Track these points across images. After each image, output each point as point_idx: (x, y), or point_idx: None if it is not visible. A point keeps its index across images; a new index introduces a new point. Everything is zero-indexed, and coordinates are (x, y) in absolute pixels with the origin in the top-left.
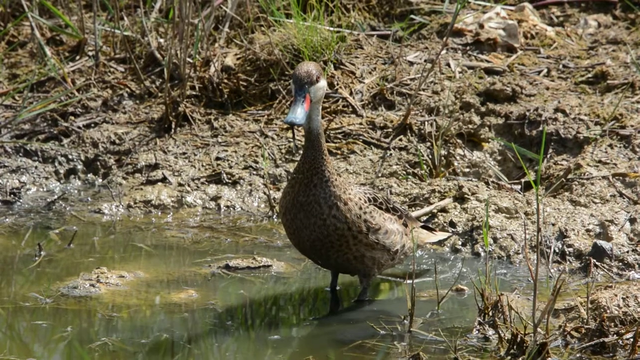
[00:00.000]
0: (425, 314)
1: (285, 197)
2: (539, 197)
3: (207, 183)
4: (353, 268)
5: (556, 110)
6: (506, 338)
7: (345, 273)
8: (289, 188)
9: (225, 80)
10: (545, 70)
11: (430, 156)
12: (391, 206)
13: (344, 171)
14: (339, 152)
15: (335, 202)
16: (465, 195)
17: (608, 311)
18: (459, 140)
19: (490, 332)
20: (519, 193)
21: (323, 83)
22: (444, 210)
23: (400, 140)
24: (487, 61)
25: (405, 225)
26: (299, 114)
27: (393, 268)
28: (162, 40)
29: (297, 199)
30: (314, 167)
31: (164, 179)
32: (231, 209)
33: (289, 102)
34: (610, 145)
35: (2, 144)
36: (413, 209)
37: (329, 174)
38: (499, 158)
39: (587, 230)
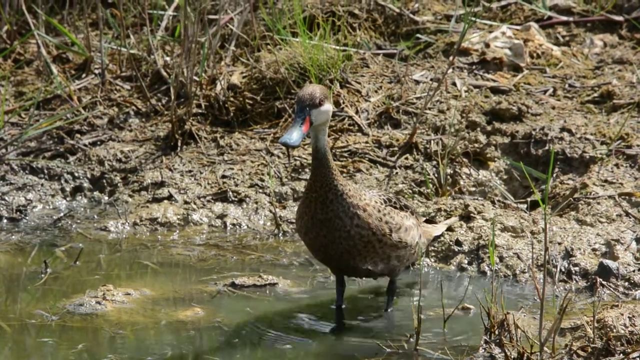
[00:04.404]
0: (431, 332)
1: (303, 217)
2: (545, 216)
3: (213, 201)
4: (380, 271)
5: (562, 129)
6: (512, 357)
7: (369, 277)
8: (305, 208)
9: (232, 99)
10: (551, 90)
11: (436, 175)
12: (402, 204)
13: None
14: (345, 170)
15: (355, 212)
16: (472, 214)
17: (614, 330)
18: (465, 159)
19: (497, 350)
20: (525, 212)
21: (327, 107)
22: (450, 229)
23: (406, 159)
24: (493, 80)
25: (417, 218)
26: (294, 135)
27: (400, 284)
28: (168, 59)
29: (315, 217)
30: (326, 183)
31: (170, 197)
32: (237, 227)
33: (286, 123)
34: (617, 165)
35: (8, 162)
36: None
37: (341, 187)
38: (505, 177)
39: (593, 250)
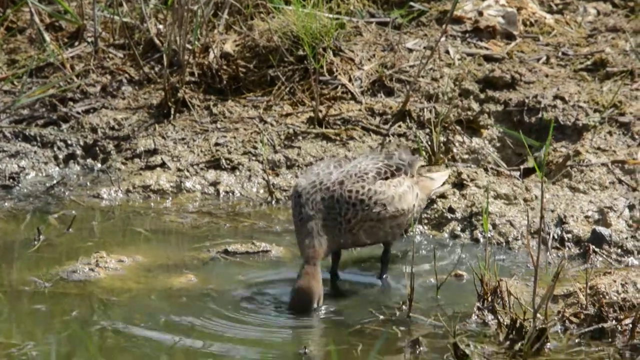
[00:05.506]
0: (424, 299)
1: None
2: (542, 183)
3: (206, 168)
4: (380, 239)
5: (555, 97)
6: (505, 323)
7: (366, 246)
8: None
9: (225, 67)
10: (545, 58)
11: (429, 143)
12: (394, 168)
13: (343, 157)
14: (338, 138)
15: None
16: (464, 182)
17: (607, 297)
18: (458, 127)
19: (489, 317)
20: (518, 179)
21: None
22: (443, 196)
23: (400, 126)
24: (486, 48)
25: (412, 175)
26: None
27: (393, 251)
28: (161, 27)
29: None
30: None
31: (163, 164)
32: (230, 194)
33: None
34: (610, 133)
35: (1, 129)
36: None
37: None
38: (498, 145)
39: (586, 217)
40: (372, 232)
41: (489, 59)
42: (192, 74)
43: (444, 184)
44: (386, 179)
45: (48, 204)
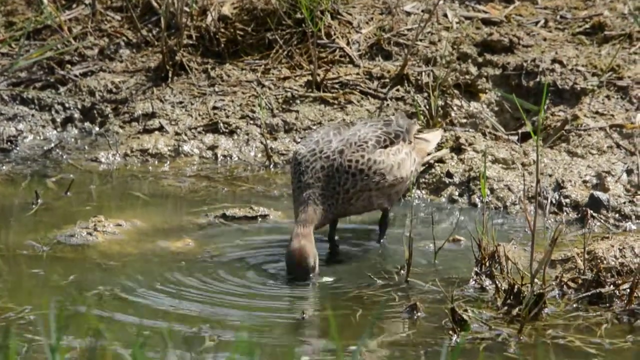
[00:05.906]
0: (422, 264)
1: None
2: (537, 148)
3: (204, 132)
4: (378, 207)
5: (553, 61)
6: (503, 288)
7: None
8: None
9: (222, 30)
10: (543, 21)
11: (427, 107)
12: (393, 136)
13: (341, 122)
14: (335, 102)
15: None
16: (462, 146)
17: (605, 262)
18: (456, 91)
19: (487, 282)
20: (516, 144)
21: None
22: (441, 160)
23: (398, 90)
24: (485, 12)
25: (410, 142)
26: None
27: (391, 216)
28: None
29: None
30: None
31: (160, 128)
32: (228, 158)
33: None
34: (608, 97)
35: None
36: None
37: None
38: (496, 109)
39: (584, 181)
40: (369, 202)
41: (487, 22)
42: (189, 37)
43: (439, 145)
44: (385, 147)
45: (46, 167)
